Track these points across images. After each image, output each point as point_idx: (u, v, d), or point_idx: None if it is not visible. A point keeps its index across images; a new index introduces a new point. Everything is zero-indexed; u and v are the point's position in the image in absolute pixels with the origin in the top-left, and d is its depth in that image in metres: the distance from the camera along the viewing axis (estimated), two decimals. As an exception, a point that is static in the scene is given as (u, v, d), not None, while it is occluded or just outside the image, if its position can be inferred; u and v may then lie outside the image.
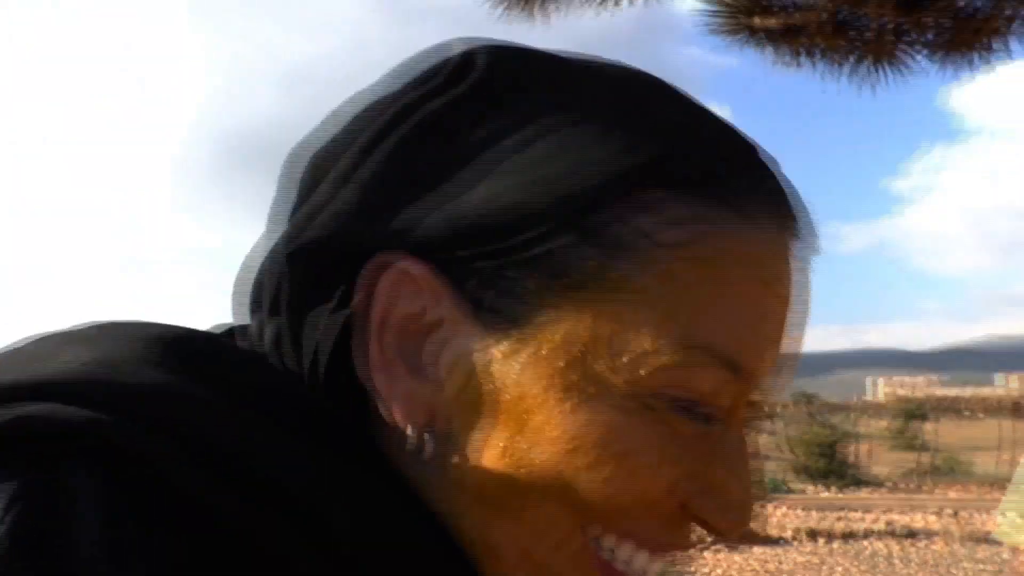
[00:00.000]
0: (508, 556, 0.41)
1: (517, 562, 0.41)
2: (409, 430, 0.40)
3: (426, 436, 0.40)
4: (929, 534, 10.48)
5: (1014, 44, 4.43)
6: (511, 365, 0.39)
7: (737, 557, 9.02)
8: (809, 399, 25.39)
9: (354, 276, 0.40)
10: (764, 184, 0.41)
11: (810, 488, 14.53)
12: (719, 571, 8.76)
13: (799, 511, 11.85)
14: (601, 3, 4.37)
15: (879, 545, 9.92)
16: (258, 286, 0.44)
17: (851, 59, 4.87)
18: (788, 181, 0.43)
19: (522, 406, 0.39)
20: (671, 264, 0.38)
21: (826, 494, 14.01)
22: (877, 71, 4.93)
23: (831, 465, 15.39)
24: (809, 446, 16.02)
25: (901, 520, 11.16)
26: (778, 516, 11.56)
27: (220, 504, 0.35)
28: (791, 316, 0.42)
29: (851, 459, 17.16)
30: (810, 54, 5.00)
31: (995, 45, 4.48)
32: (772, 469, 17.04)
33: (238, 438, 0.36)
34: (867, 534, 10.40)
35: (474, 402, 0.40)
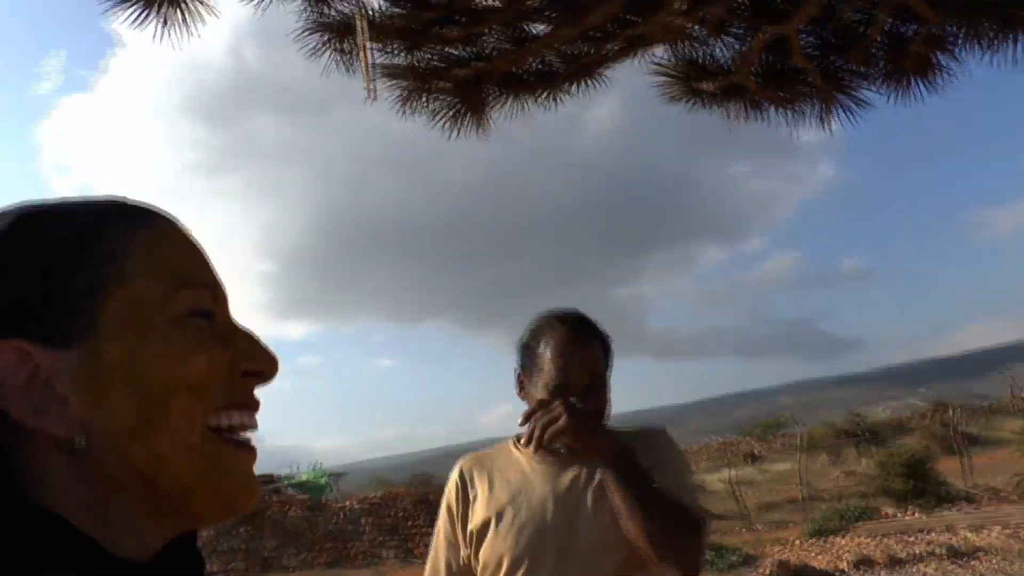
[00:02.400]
0: (165, 477, 0.58)
1: (173, 474, 0.58)
2: (76, 438, 0.55)
3: (77, 439, 0.55)
4: (989, 551, 10.25)
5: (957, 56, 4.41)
6: (97, 353, 0.57)
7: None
8: (945, 408, 24.47)
9: None
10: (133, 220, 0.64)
11: (891, 510, 14.25)
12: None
13: (864, 538, 11.78)
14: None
15: (927, 569, 9.82)
16: None
17: (806, 103, 5.15)
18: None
19: (121, 367, 0.57)
20: (143, 260, 0.61)
21: (910, 517, 13.73)
22: (831, 111, 5.22)
23: (916, 484, 14.92)
24: (893, 466, 15.60)
25: (969, 538, 10.92)
26: (841, 545, 11.55)
27: None
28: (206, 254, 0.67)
29: (960, 471, 16.57)
30: (759, 106, 5.33)
31: (939, 62, 4.60)
32: (858, 492, 16.76)
33: None
34: (919, 558, 10.28)
35: (93, 393, 0.56)
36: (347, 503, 17.80)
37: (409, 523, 16.59)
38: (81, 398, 0.56)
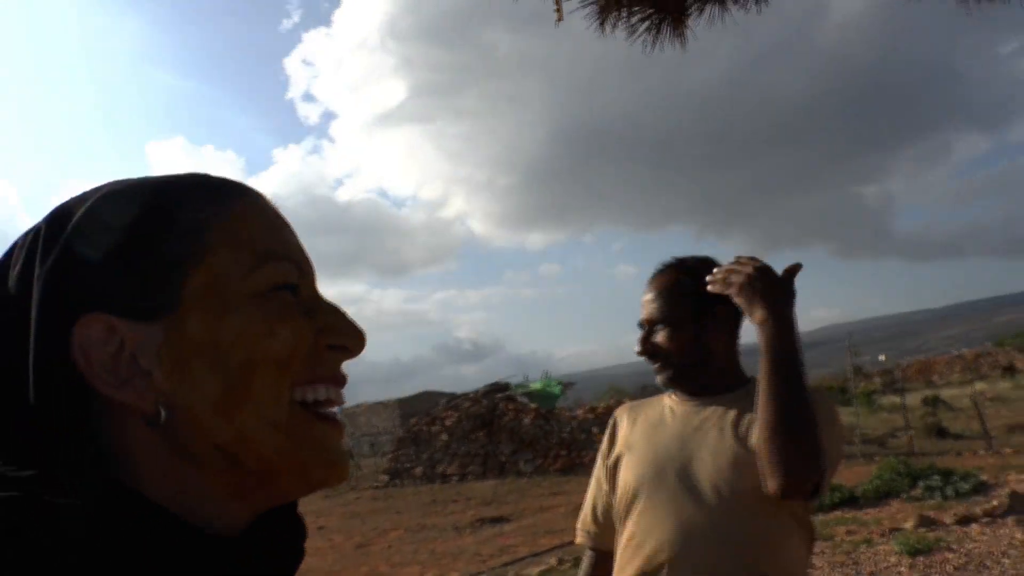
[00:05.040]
0: (250, 453, 0.58)
1: (258, 451, 0.58)
2: (161, 412, 0.56)
3: (162, 412, 0.56)
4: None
5: None
6: (182, 328, 0.57)
7: None
8: None
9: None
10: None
11: None
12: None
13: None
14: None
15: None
16: None
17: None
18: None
19: (205, 342, 0.57)
20: (231, 233, 0.61)
21: None
22: None
23: None
24: None
25: None
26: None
27: None
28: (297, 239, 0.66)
29: None
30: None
31: None
32: None
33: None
34: None
35: (176, 368, 0.57)
36: (577, 412, 18.32)
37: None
38: (165, 373, 0.57)
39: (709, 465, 1.75)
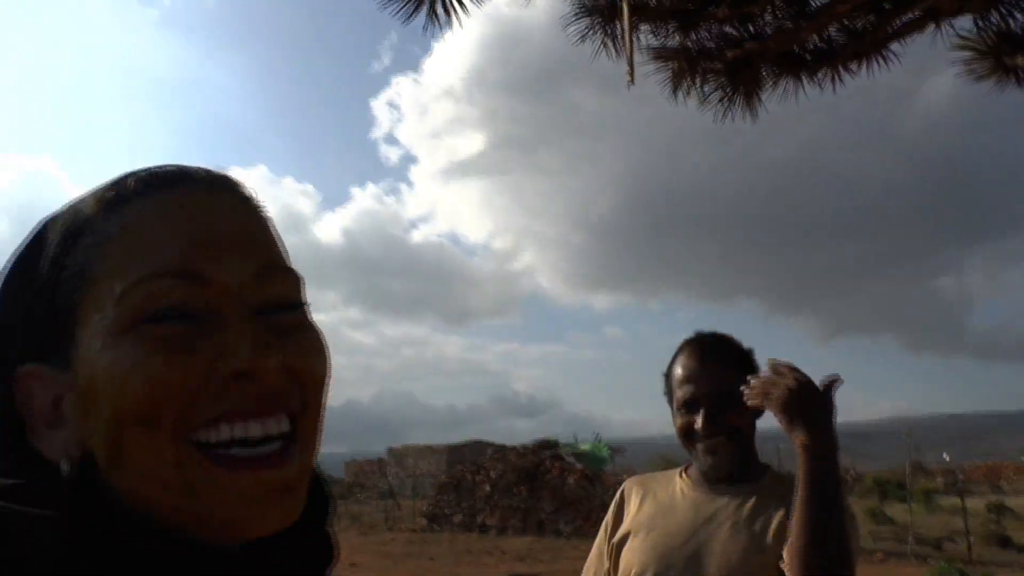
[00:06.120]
0: (157, 505, 0.52)
1: (164, 503, 0.52)
2: (61, 463, 0.53)
3: (63, 464, 0.53)
4: None
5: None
6: (79, 377, 0.53)
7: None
8: None
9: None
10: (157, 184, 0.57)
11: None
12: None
13: None
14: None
15: None
16: None
17: None
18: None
19: (91, 392, 0.52)
20: (117, 238, 0.54)
21: None
22: None
23: None
24: None
25: None
26: None
27: None
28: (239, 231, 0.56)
29: None
30: None
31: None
32: None
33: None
34: None
35: (83, 418, 0.53)
36: (623, 477, 18.04)
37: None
38: (79, 423, 0.53)
39: (719, 559, 1.68)
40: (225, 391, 0.52)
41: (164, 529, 0.52)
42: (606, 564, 1.90)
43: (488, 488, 19.37)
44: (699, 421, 1.74)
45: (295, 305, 0.58)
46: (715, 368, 1.77)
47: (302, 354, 0.56)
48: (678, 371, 1.80)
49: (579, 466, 19.09)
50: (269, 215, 0.61)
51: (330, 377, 0.59)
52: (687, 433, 1.77)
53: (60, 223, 0.57)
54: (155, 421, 0.51)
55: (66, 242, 0.55)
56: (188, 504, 0.51)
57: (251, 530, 0.53)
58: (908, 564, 12.28)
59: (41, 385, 0.55)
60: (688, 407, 1.77)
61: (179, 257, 0.53)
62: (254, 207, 0.59)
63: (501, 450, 20.93)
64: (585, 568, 1.98)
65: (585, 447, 22.40)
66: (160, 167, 0.58)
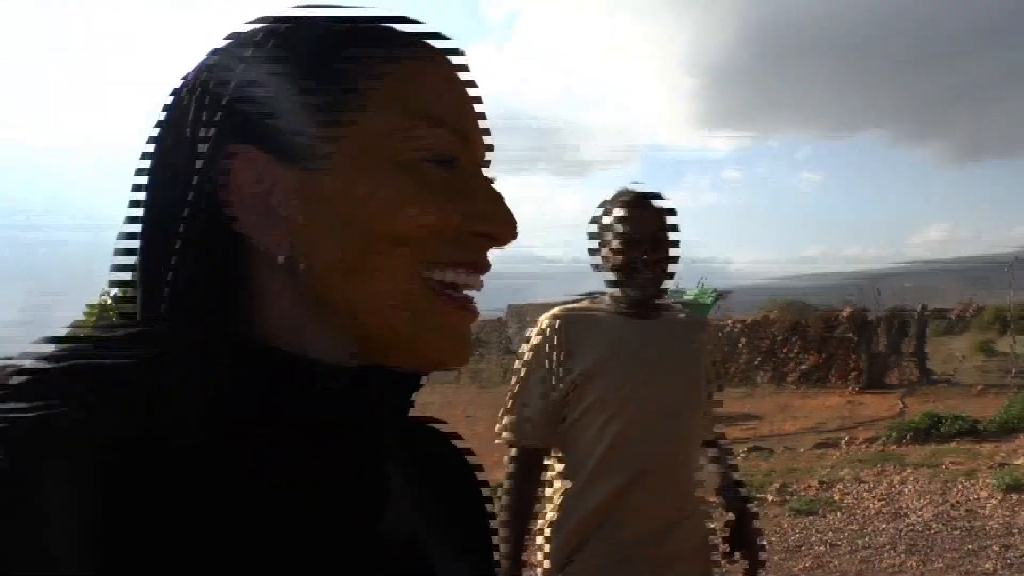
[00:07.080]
0: (373, 319, 0.55)
1: (381, 319, 0.55)
2: (293, 258, 0.54)
3: (294, 258, 0.54)
4: None
5: None
6: (325, 181, 0.54)
7: None
8: None
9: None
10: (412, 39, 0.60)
11: None
12: None
13: None
14: None
15: None
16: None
17: None
18: (438, 36, 0.61)
19: (345, 201, 0.54)
20: (397, 81, 0.56)
21: None
22: None
23: None
24: None
25: None
26: None
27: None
28: (478, 102, 0.61)
29: None
30: None
31: None
32: None
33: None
34: None
35: (312, 219, 0.54)
36: (726, 322, 18.34)
37: (786, 348, 16.63)
38: (302, 222, 0.55)
39: (681, 385, 2.12)
40: (469, 244, 0.58)
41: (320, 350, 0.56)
42: (560, 385, 2.10)
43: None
44: (645, 254, 2.05)
45: None
46: (653, 212, 2.11)
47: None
48: (619, 214, 2.10)
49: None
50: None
51: None
52: (629, 266, 2.08)
53: (328, 34, 0.58)
54: (409, 245, 0.55)
55: (337, 55, 0.57)
56: (411, 324, 0.57)
57: (446, 362, 0.59)
58: (1006, 393, 12.25)
59: (253, 171, 0.55)
60: (631, 244, 2.06)
61: (456, 114, 0.59)
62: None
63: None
64: (531, 397, 2.15)
65: (691, 294, 22.51)
66: (407, 24, 0.61)
